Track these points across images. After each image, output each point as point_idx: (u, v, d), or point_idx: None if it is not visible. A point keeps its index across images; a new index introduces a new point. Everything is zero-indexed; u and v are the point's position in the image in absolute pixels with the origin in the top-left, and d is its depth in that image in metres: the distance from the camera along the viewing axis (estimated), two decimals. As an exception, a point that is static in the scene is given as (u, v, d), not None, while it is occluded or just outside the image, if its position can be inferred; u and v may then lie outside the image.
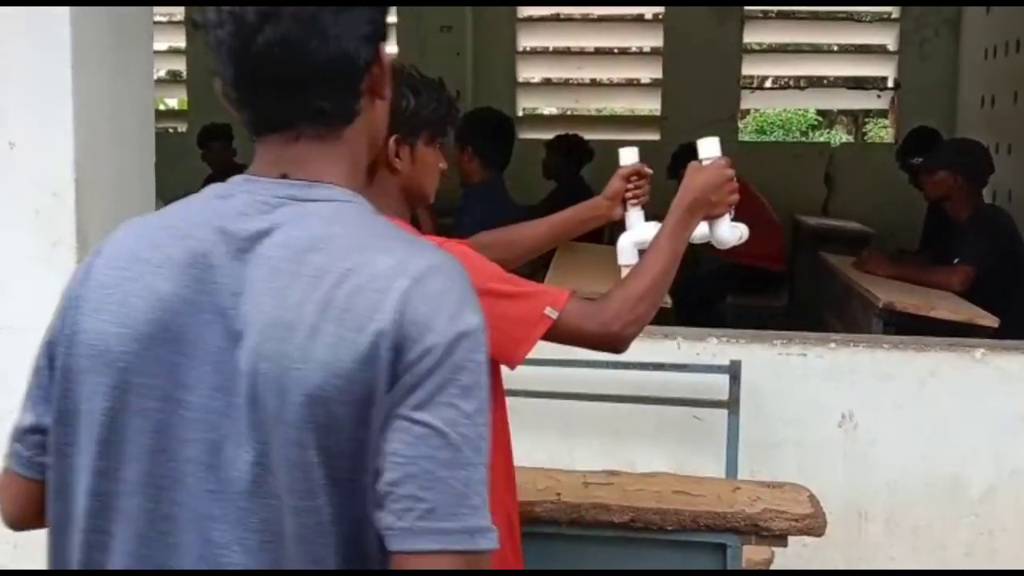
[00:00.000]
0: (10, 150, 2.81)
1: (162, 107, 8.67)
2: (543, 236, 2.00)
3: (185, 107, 7.96)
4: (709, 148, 1.81)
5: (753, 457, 2.78)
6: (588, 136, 6.29)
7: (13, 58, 2.77)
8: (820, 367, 2.83)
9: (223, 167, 5.79)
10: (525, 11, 7.32)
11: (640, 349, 2.93)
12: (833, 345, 2.85)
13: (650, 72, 7.31)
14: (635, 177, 1.98)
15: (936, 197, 4.09)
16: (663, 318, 3.45)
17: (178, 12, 7.53)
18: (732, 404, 2.75)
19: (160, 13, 7.25)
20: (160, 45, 7.34)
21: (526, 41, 7.39)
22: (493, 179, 4.05)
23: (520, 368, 1.55)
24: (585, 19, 7.34)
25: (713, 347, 2.83)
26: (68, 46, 2.75)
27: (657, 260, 1.67)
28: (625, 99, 7.63)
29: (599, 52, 7.49)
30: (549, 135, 6.12)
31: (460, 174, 4.06)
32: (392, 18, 7.33)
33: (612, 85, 7.49)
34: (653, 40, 7.28)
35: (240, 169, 1.14)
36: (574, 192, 5.95)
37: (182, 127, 7.69)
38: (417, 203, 1.70)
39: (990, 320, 3.25)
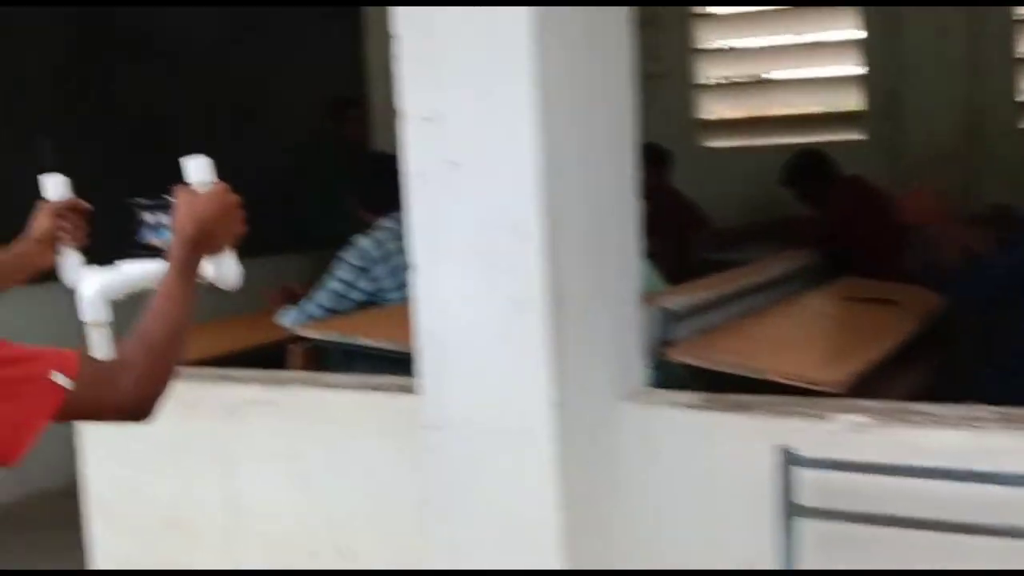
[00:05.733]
0: (451, 172, 1.98)
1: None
2: None
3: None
4: (198, 171, 1.54)
5: None
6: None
7: (456, 55, 1.95)
8: None
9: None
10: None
11: None
12: None
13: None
14: (69, 212, 1.78)
15: None
16: None
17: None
18: None
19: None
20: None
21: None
22: None
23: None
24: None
25: None
26: (529, 43, 1.88)
27: (172, 307, 1.40)
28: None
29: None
30: None
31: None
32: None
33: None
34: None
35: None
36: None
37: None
38: None
39: None
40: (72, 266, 1.77)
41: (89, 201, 1.84)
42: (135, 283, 1.68)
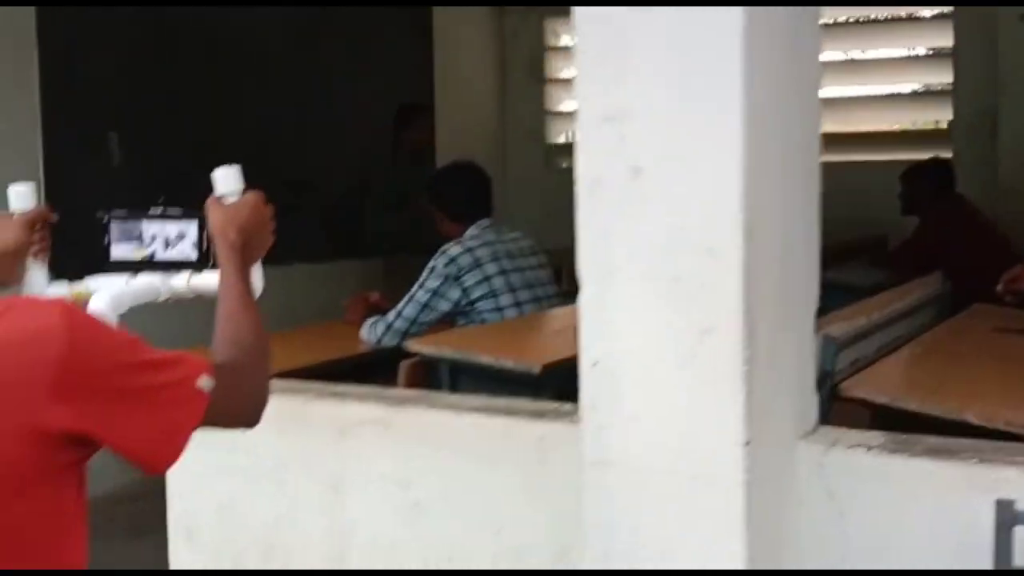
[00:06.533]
0: (633, 179, 1.76)
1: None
2: None
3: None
4: (230, 180, 1.52)
5: None
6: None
7: (649, 48, 1.74)
8: None
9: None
10: None
11: None
12: None
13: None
14: (39, 225, 1.65)
15: None
16: None
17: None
18: None
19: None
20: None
21: None
22: None
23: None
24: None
25: None
26: (739, 38, 1.67)
27: (250, 312, 1.38)
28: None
29: None
30: None
31: None
32: (948, 8, 5.92)
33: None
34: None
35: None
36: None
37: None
38: None
39: None
40: (39, 281, 1.66)
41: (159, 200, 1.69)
42: (140, 298, 1.63)
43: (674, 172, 1.72)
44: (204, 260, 1.62)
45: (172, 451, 1.14)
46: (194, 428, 1.15)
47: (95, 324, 1.09)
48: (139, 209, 1.64)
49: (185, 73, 4.67)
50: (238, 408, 1.27)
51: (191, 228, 1.62)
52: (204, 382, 1.16)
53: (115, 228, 1.63)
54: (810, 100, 1.97)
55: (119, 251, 1.63)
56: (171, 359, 1.16)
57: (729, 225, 1.68)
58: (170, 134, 4.53)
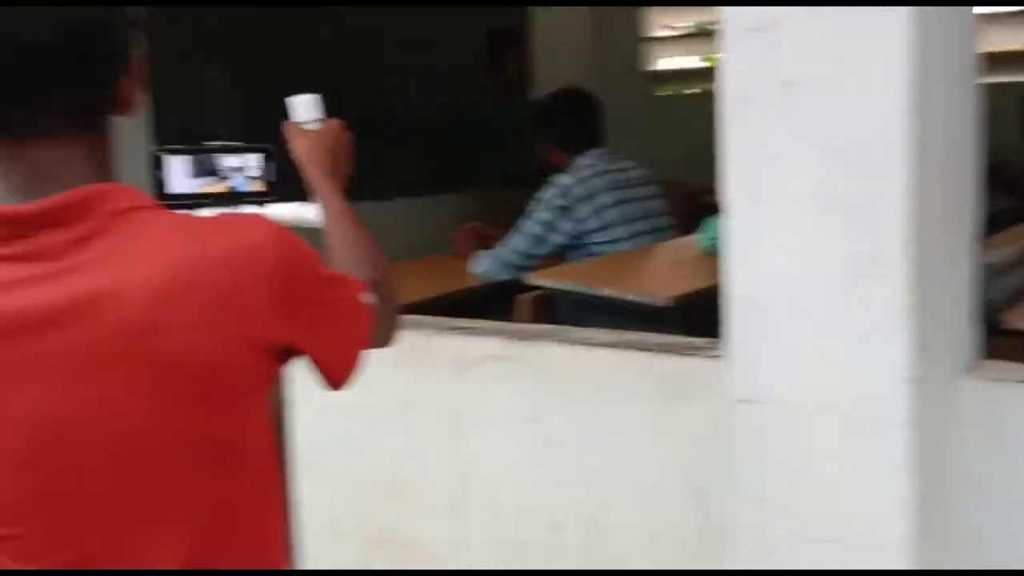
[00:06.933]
0: (784, 94, 1.64)
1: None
2: None
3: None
4: (309, 108, 1.54)
5: None
6: None
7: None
8: None
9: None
10: None
11: None
12: None
13: None
14: None
15: None
16: None
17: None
18: None
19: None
20: None
21: None
22: None
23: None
24: None
25: None
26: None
27: (363, 231, 1.38)
28: None
29: None
30: None
31: None
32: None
33: None
34: None
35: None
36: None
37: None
38: None
39: None
40: None
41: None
42: None
43: (832, 84, 1.59)
44: (271, 192, 1.59)
45: (355, 364, 1.13)
46: (367, 341, 1.15)
47: (297, 239, 1.08)
48: (195, 143, 1.60)
49: (284, 10, 4.61)
50: (385, 326, 1.26)
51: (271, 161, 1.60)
52: (367, 298, 1.16)
53: (186, 163, 1.59)
54: (967, 14, 1.80)
55: (192, 185, 1.59)
56: (340, 275, 1.16)
57: (897, 141, 1.54)
58: (268, 68, 4.49)
